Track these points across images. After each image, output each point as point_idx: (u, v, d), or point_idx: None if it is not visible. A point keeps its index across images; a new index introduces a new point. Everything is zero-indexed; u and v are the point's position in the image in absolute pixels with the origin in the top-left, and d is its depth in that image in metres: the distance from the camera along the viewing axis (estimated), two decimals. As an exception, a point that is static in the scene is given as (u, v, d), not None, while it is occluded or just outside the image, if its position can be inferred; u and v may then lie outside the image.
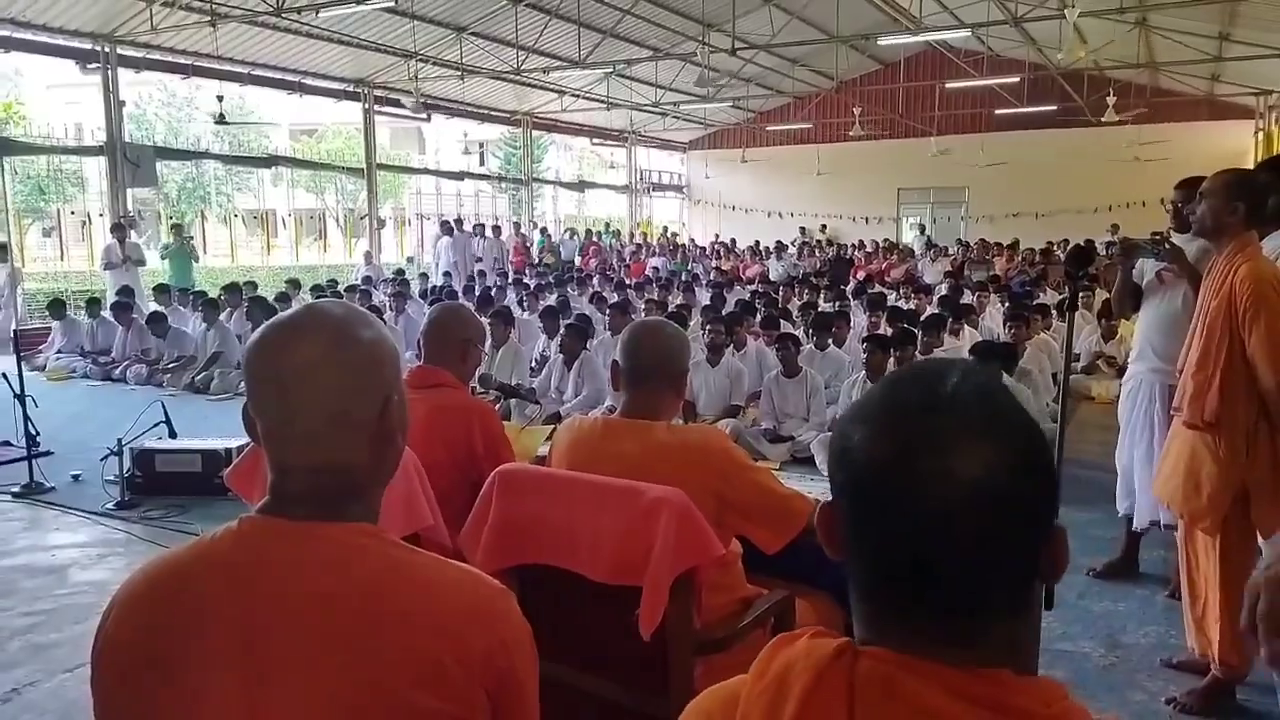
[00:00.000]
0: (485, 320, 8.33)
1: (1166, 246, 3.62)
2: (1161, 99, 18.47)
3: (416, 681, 0.92)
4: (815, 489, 2.66)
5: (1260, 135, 17.99)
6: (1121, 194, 18.56)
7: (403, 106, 15.96)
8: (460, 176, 20.46)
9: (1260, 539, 3.00)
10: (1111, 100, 16.32)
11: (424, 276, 14.20)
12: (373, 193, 16.54)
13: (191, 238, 13.88)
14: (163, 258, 12.97)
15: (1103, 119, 16.44)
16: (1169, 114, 18.48)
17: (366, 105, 16.20)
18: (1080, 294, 10.08)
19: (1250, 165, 3.39)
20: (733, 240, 20.27)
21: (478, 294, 10.76)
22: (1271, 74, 15.15)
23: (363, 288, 11.69)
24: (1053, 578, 0.75)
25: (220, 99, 13.05)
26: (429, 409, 2.27)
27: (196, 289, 11.74)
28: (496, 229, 18.29)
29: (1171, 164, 12.94)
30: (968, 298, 10.53)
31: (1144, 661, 3.30)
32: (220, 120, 13.37)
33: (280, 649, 0.93)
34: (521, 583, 1.96)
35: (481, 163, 21.97)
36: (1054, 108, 18.68)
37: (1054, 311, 9.06)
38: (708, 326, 7.49)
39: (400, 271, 13.75)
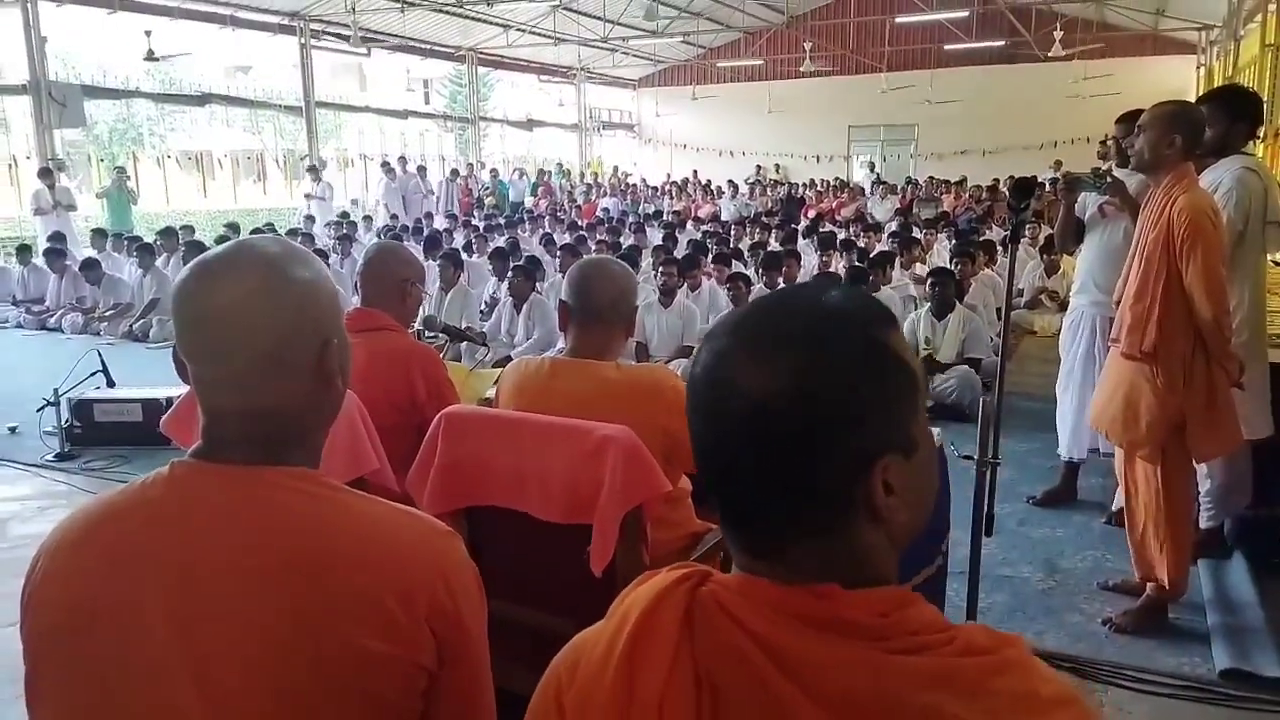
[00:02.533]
0: (434, 263, 8.22)
1: (1108, 180, 3.65)
2: (1107, 34, 18.56)
3: (358, 624, 0.91)
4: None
5: (1201, 70, 18.20)
6: (1067, 130, 18.75)
7: (342, 40, 15.43)
8: (404, 115, 19.91)
9: (1196, 465, 3.12)
10: (1058, 35, 16.37)
11: (367, 219, 13.87)
12: (313, 131, 16.05)
13: (129, 178, 13.37)
14: (99, 196, 12.49)
15: (1049, 54, 16.49)
16: (1114, 49, 18.61)
17: (303, 40, 15.63)
18: (1025, 228, 10.26)
19: (1191, 99, 3.42)
20: (685, 180, 20.12)
21: (425, 236, 10.56)
22: (1213, 9, 15.26)
23: (305, 231, 11.40)
24: (883, 518, 0.71)
25: (149, 34, 12.48)
26: (369, 353, 2.22)
27: (132, 234, 11.36)
28: (455, 172, 17.93)
29: (1115, 99, 13.08)
30: (917, 235, 10.63)
31: (1081, 585, 3.42)
32: (150, 57, 12.80)
33: (215, 595, 0.91)
34: (471, 524, 1.96)
35: (426, 101, 21.37)
36: (1002, 43, 18.70)
37: (999, 247, 9.17)
38: (660, 268, 7.46)
39: (344, 214, 13.43)
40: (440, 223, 13.45)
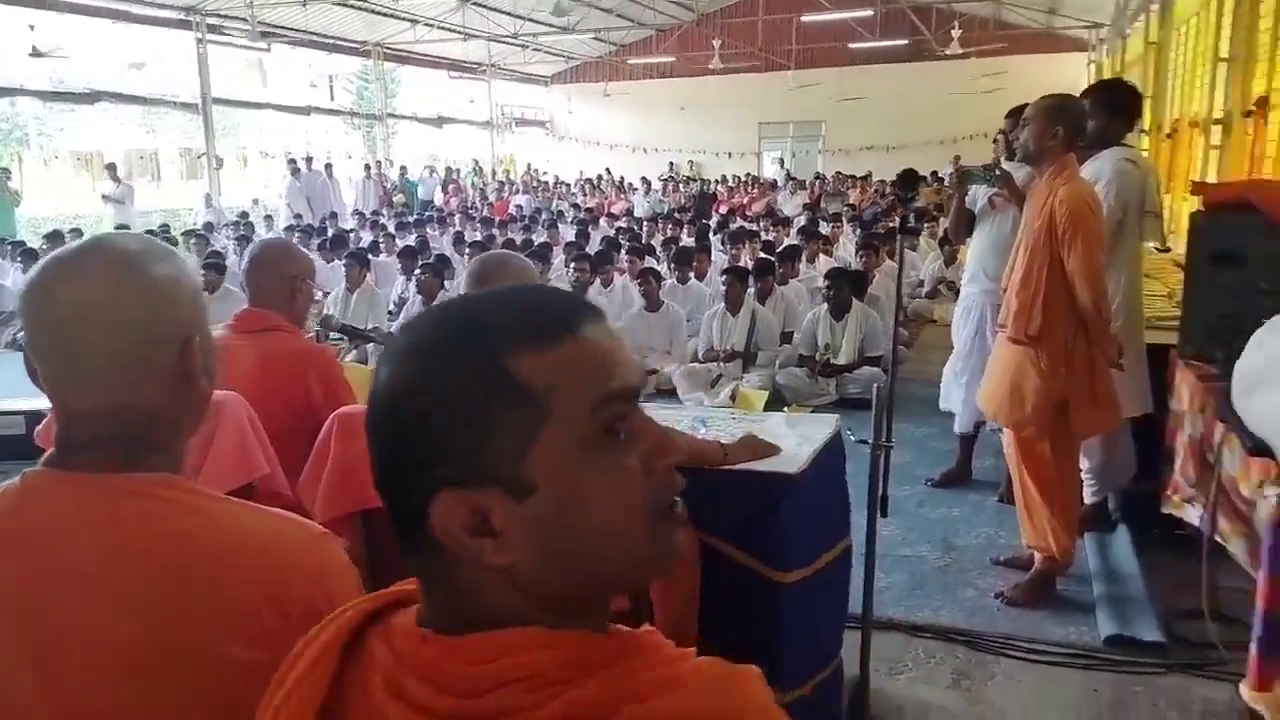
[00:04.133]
0: (340, 263, 8.05)
1: (997, 173, 3.80)
2: (1004, 32, 19.27)
3: (228, 635, 0.88)
4: (670, 417, 2.71)
5: (1092, 66, 19.05)
6: (966, 126, 19.36)
7: (241, 35, 14.95)
8: (306, 111, 19.37)
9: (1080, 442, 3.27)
10: (957, 34, 16.92)
11: (269, 219, 13.45)
12: (209, 129, 15.50)
13: (10, 178, 12.67)
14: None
15: (949, 52, 17.04)
16: (1010, 47, 19.32)
17: (199, 34, 15.08)
18: (925, 221, 10.54)
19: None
20: (599, 177, 20.11)
21: (330, 236, 10.31)
22: (1102, 7, 15.98)
23: (200, 232, 11.00)
24: (467, 559, 0.62)
25: (33, 28, 11.86)
26: (260, 355, 2.16)
27: (15, 239, 10.79)
28: (368, 167, 17.53)
29: (1010, 95, 13.45)
30: (824, 228, 10.86)
31: (975, 561, 3.56)
32: (35, 53, 12.17)
33: (66, 609, 0.87)
34: (367, 527, 1.93)
35: (331, 97, 20.83)
36: (905, 42, 19.24)
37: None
38: (572, 264, 7.46)
39: (244, 214, 13.01)
40: (347, 222, 13.16)
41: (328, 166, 16.20)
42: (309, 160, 16.04)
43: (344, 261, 7.54)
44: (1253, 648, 2.38)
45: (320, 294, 2.67)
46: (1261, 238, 3.09)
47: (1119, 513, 3.80)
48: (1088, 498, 3.65)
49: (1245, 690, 2.40)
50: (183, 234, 10.64)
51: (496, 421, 0.61)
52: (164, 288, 0.95)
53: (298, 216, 13.70)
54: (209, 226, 12.38)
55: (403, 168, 18.94)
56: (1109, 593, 3.22)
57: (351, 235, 10.79)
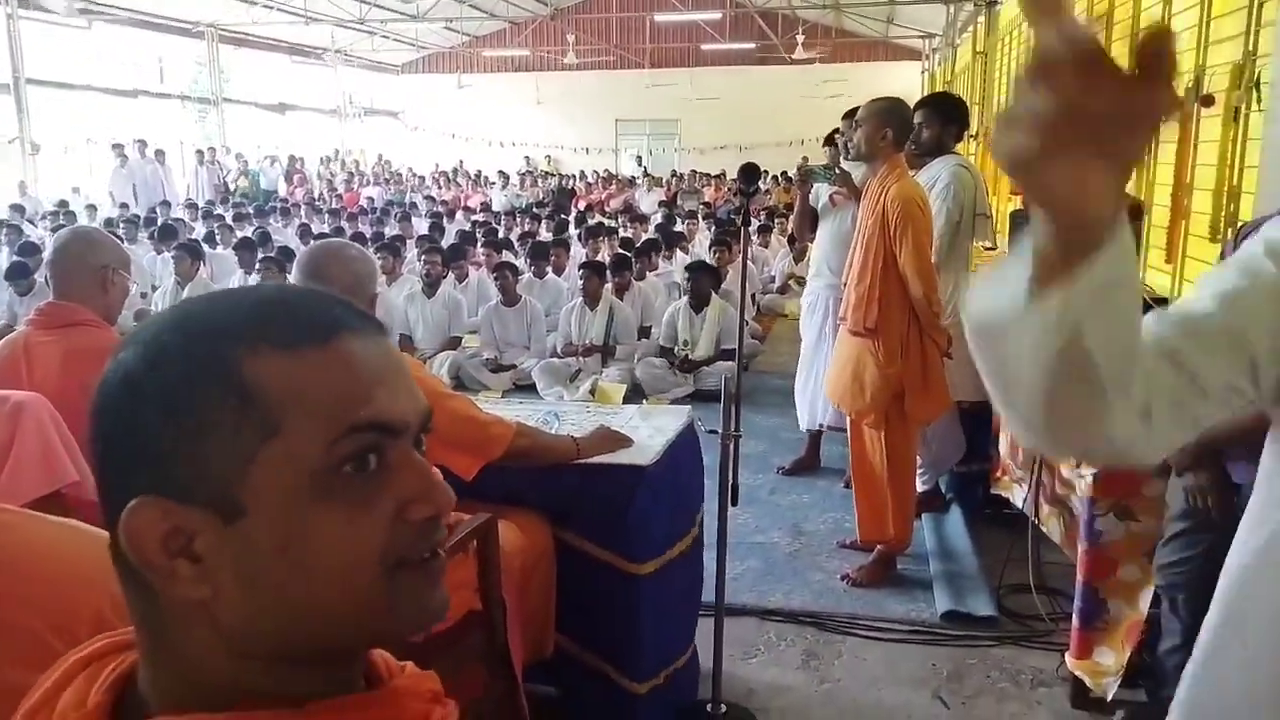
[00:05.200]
0: (169, 254, 7.54)
1: (836, 172, 3.95)
2: (844, 40, 20.14)
3: (11, 659, 0.80)
4: (523, 412, 2.66)
5: (925, 75, 20.17)
6: (811, 128, 20.04)
7: (55, 12, 13.78)
8: (134, 94, 18.06)
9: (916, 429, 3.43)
10: (801, 40, 17.55)
11: (91, 209, 12.47)
12: (23, 110, 14.22)
13: None
14: None
15: (794, 57, 17.65)
16: (851, 54, 20.24)
17: (9, 9, 13.80)
18: (776, 219, 10.85)
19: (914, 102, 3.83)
20: (454, 169, 19.71)
21: (159, 226, 9.65)
22: (935, 19, 16.92)
23: (11, 222, 10.07)
24: (157, 586, 0.55)
25: None
26: (65, 351, 1.99)
27: None
28: (200, 154, 16.48)
29: (853, 100, 14.10)
30: (680, 225, 11.02)
31: (823, 545, 3.69)
32: None
33: None
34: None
35: (161, 80, 19.50)
36: (753, 45, 19.80)
37: (754, 237, 9.70)
38: (424, 257, 7.26)
39: (63, 203, 12.01)
40: (178, 212, 12.36)
41: (158, 153, 15.15)
42: (141, 145, 14.95)
43: (174, 253, 7.07)
44: (1074, 619, 2.57)
45: (135, 286, 2.46)
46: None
47: (952, 494, 4.02)
48: (921, 484, 3.84)
49: (1069, 659, 2.58)
50: (-11, 225, 9.70)
51: (212, 426, 0.53)
52: None
53: (123, 206, 12.75)
54: (18, 210, 11.35)
55: (239, 155, 17.94)
56: (945, 570, 3.39)
57: (184, 226, 10.12)
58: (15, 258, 7.02)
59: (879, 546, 3.40)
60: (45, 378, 1.94)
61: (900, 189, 3.11)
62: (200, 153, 16.83)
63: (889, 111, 3.18)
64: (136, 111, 17.89)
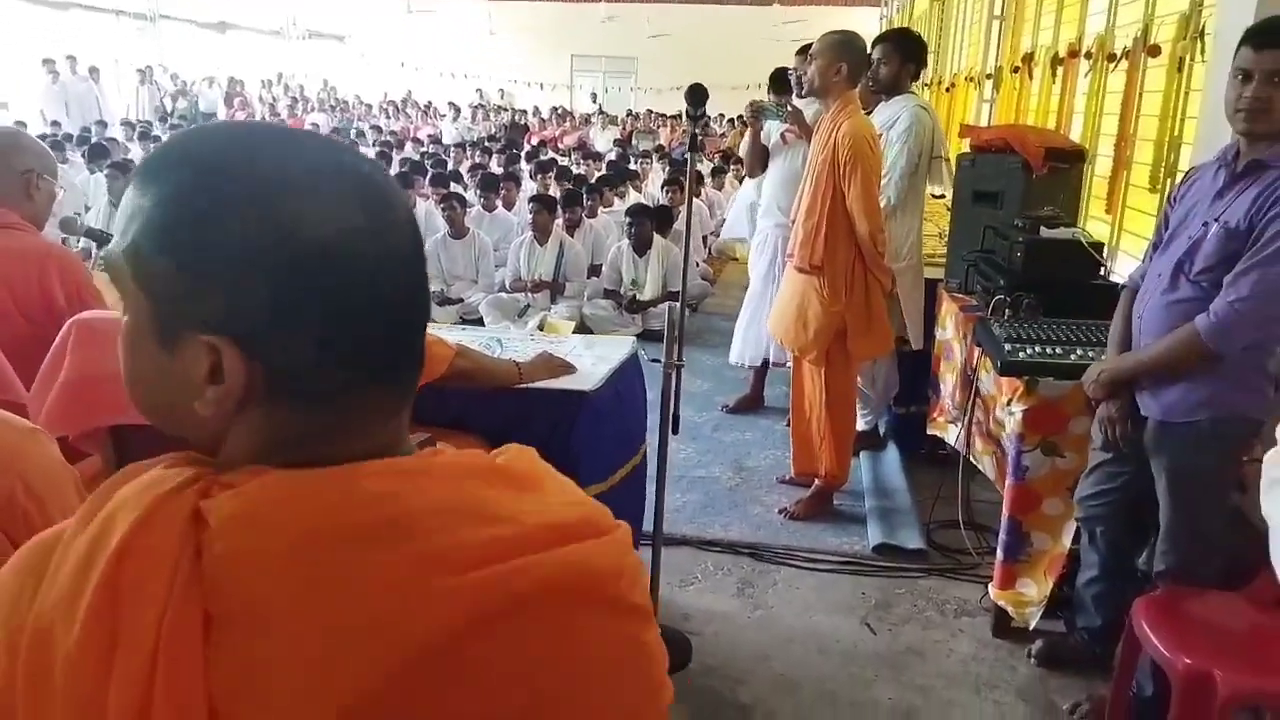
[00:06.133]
0: (103, 174, 7.25)
1: (788, 109, 3.92)
2: (805, -19, 19.91)
3: None
4: (466, 337, 2.63)
5: (884, 21, 20.04)
6: (769, 70, 19.97)
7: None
8: (65, 6, 17.15)
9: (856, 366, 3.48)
10: (762, -22, 17.29)
11: (20, 125, 11.91)
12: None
13: None
14: None
15: (754, -2, 17.41)
16: (810, -3, 20.01)
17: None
18: (732, 163, 10.77)
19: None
20: (404, 99, 19.17)
21: (90, 145, 9.26)
22: (895, -34, 16.77)
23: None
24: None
25: None
26: (-12, 253, 1.91)
27: None
28: (141, 73, 15.75)
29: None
30: (634, 165, 10.91)
31: (764, 480, 3.75)
32: None
33: None
34: (116, 444, 1.76)
35: (95, -8, 18.55)
36: (714, -18, 19.46)
37: (708, 179, 9.64)
38: (369, 186, 7.09)
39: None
40: (114, 131, 11.87)
41: (92, 70, 14.48)
42: (73, 61, 14.26)
43: (107, 172, 6.80)
44: (999, 551, 2.66)
45: (61, 192, 2.35)
46: (1017, 178, 3.37)
47: (890, 433, 4.10)
48: (862, 423, 3.91)
49: (992, 589, 2.68)
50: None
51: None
52: None
53: (54, 124, 12.20)
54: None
55: (174, 76, 17.20)
56: (879, 506, 3.48)
57: (118, 146, 9.72)
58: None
59: (816, 482, 3.46)
60: (-37, 280, 1.87)
61: (852, 125, 3.10)
62: (141, 71, 16.12)
63: (843, 45, 3.15)
64: (68, 25, 17.01)
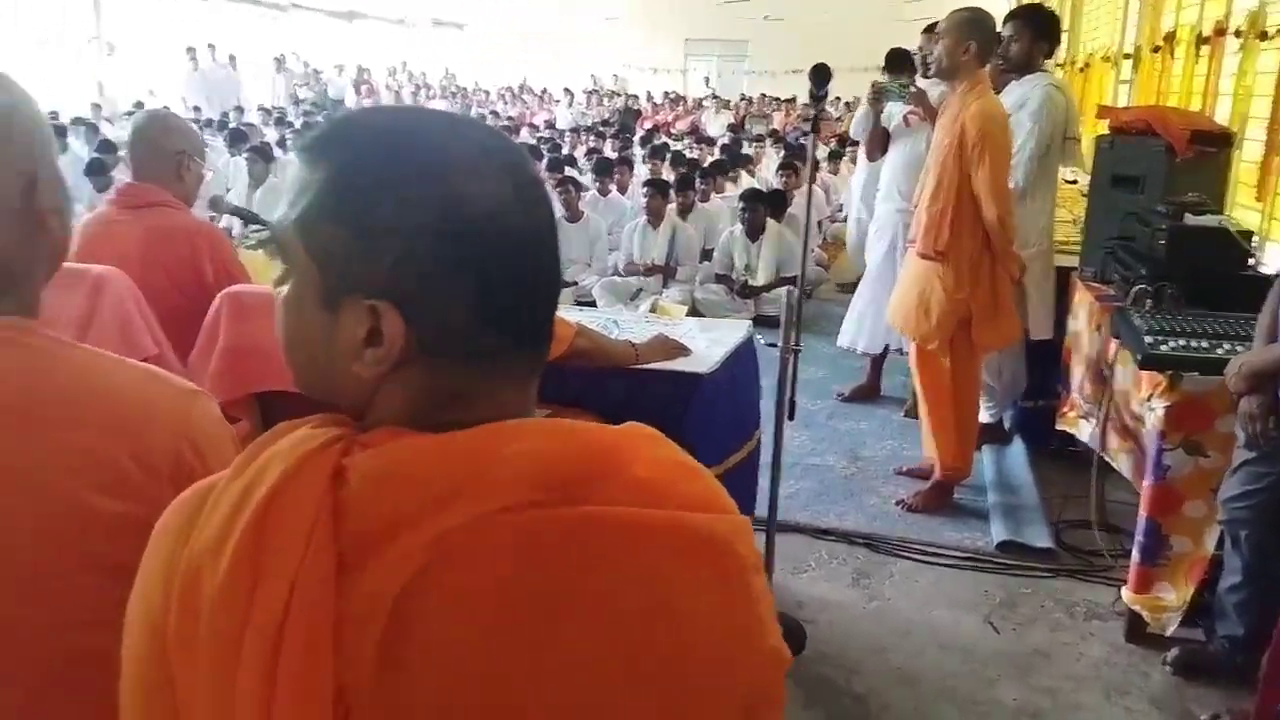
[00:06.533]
0: (242, 157, 7.64)
1: (912, 90, 3.80)
2: (930, -40, 19.21)
3: (88, 483, 0.84)
4: (583, 318, 2.65)
5: (1014, 1, 19.24)
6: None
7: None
8: (207, -1, 18.09)
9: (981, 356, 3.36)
10: (886, -44, 16.79)
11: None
12: (100, 12, 14.39)
13: None
14: None
15: (876, -24, 16.92)
16: (936, -24, 19.31)
17: (86, -93, 13.88)
18: (848, 146, 10.58)
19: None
20: (520, 85, 19.49)
21: (231, 130, 9.77)
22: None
23: (90, 120, 10.28)
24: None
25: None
26: (146, 230, 2.03)
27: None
28: (278, 61, 16.52)
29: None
30: (747, 149, 10.79)
31: (880, 471, 3.66)
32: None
33: None
34: (263, 409, 1.85)
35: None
36: (833, -39, 19.01)
37: (824, 163, 9.46)
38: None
39: (139, 104, 12.20)
40: (250, 117, 12.48)
41: (231, 58, 15.26)
42: (212, 49, 15.07)
43: (247, 156, 7.16)
44: (1135, 554, 2.52)
45: (210, 174, 2.50)
46: (1159, 162, 3.18)
47: (1016, 428, 3.95)
48: (985, 416, 3.77)
49: (1126, 593, 2.55)
50: (72, 121, 9.94)
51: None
52: (2, 120, 0.86)
53: (195, 109, 12.92)
54: (97, 108, 11.57)
55: (306, 63, 17.95)
56: (1003, 502, 3.36)
57: (255, 131, 10.23)
58: (94, 155, 7.19)
59: (936, 474, 3.37)
60: (126, 255, 1.99)
61: (981, 106, 2.98)
62: (276, 60, 16.89)
63: (973, 23, 3.03)
64: (208, 14, 17.95)
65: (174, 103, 13.67)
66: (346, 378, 0.60)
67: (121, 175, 6.49)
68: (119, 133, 9.99)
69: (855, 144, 10.57)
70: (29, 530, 0.82)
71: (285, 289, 0.63)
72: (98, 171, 6.65)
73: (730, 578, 0.61)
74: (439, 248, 0.58)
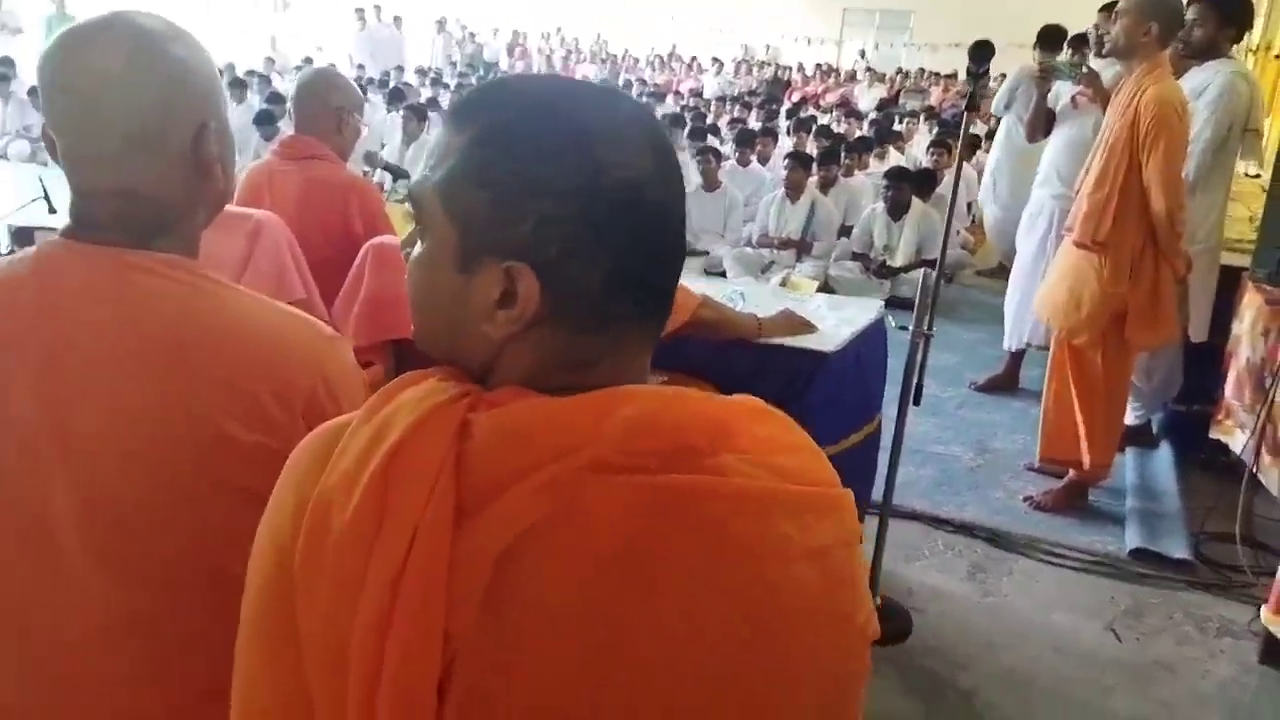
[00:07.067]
0: (399, 114, 7.97)
1: (1083, 70, 3.58)
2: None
3: (231, 415, 0.90)
4: (709, 288, 2.66)
5: (1205, -25, 17.73)
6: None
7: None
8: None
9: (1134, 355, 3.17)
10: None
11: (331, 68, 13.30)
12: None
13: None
14: (39, 22, 11.75)
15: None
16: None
17: None
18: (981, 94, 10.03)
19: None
20: (670, 53, 19.44)
21: (391, 88, 10.18)
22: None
23: (262, 72, 10.92)
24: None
25: None
26: (304, 181, 2.15)
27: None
28: (439, 23, 17.12)
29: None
30: (898, 126, 10.43)
31: (1009, 465, 3.53)
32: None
33: (81, 377, 0.89)
34: (398, 357, 1.95)
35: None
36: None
37: (983, 142, 9.04)
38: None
39: (308, 59, 12.86)
40: (409, 77, 12.96)
41: (396, 19, 15.86)
42: (378, 10, 15.70)
43: (402, 113, 7.46)
44: (1280, 573, 2.35)
45: (366, 130, 2.63)
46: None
47: (1164, 432, 3.72)
48: (1130, 418, 3.57)
49: (1266, 612, 2.38)
50: (246, 73, 10.59)
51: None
52: (179, 68, 0.93)
53: (360, 67, 13.51)
54: (270, 61, 12.25)
55: (464, 26, 18.44)
56: (1141, 508, 3.18)
57: (412, 90, 10.63)
58: (264, 105, 7.64)
59: (1072, 473, 3.22)
60: (284, 203, 2.13)
61: (1159, 91, 2.78)
62: (438, 22, 17.44)
63: (1155, 3, 2.82)
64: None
65: (340, 60, 14.35)
66: (474, 338, 0.63)
67: (287, 127, 6.92)
68: (288, 86, 10.60)
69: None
70: (175, 449, 0.89)
71: (417, 248, 0.66)
72: (266, 122, 7.08)
73: (830, 552, 0.62)
74: (580, 214, 0.59)
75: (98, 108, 0.90)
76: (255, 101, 8.97)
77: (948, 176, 7.17)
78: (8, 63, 9.63)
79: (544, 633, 0.57)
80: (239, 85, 9.62)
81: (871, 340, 2.50)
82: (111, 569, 0.90)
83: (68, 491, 0.89)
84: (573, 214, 0.59)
